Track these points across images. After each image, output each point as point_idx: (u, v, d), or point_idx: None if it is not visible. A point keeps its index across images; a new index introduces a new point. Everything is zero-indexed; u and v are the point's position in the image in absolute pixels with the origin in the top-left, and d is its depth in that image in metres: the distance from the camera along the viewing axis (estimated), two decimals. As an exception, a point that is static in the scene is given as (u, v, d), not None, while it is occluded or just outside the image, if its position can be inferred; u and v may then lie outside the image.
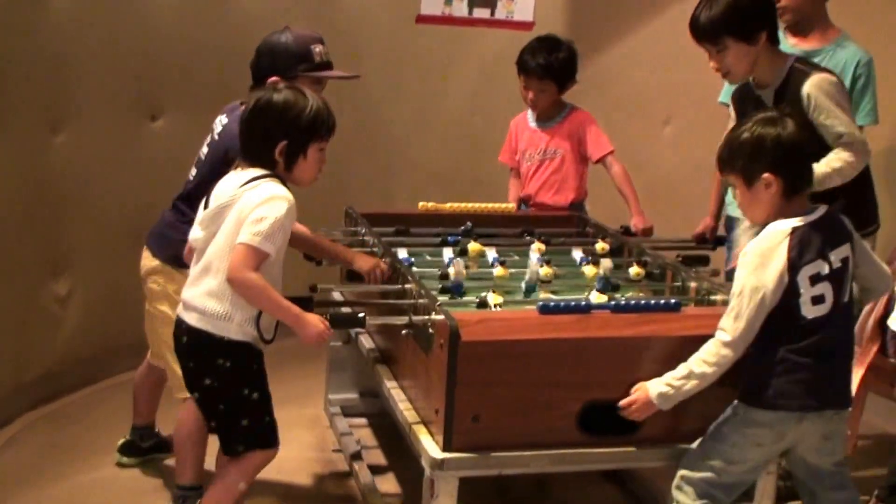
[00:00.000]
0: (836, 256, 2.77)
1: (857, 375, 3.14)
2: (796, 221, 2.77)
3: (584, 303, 3.00)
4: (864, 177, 3.50)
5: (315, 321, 2.94)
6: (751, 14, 3.36)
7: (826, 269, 2.75)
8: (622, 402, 2.82)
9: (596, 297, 3.12)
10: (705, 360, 2.76)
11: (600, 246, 3.79)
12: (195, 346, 2.98)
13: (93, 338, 4.68)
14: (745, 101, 3.56)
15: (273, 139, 2.96)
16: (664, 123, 5.61)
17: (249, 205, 2.88)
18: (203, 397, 3.03)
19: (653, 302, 3.01)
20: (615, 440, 2.87)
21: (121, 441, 3.83)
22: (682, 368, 2.78)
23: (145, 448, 3.81)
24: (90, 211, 4.66)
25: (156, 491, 3.61)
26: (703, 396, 2.80)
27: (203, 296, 2.94)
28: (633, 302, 3.03)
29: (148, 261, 3.53)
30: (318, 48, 3.54)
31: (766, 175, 2.79)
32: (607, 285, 3.31)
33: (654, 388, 2.80)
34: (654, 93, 5.63)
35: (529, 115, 4.50)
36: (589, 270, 3.47)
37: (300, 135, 2.97)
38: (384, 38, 5.33)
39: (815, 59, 3.73)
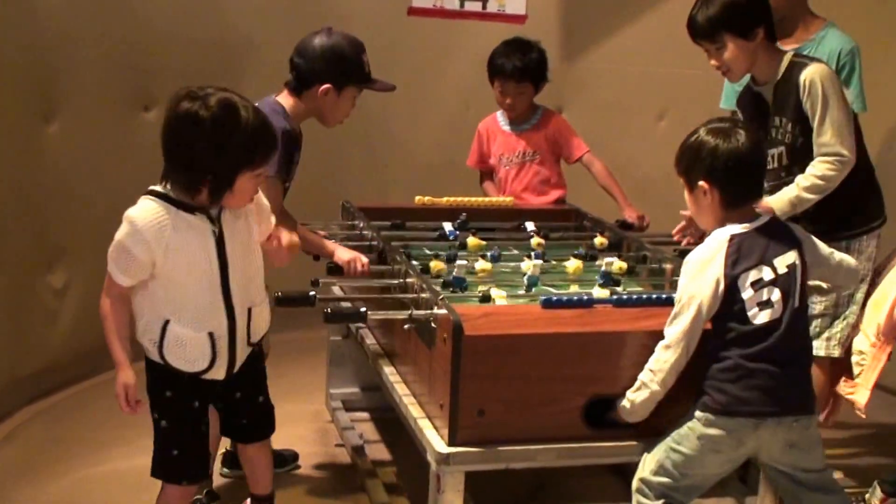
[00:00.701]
0: (780, 262, 2.78)
1: (880, 364, 3.17)
2: (738, 228, 2.80)
3: (585, 297, 3.01)
4: (864, 171, 3.52)
5: (126, 378, 2.80)
6: (747, 10, 3.40)
7: (770, 275, 2.76)
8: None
9: (598, 292, 3.13)
10: (650, 368, 2.79)
11: (599, 240, 3.81)
12: None
13: (90, 331, 4.56)
14: (746, 102, 3.62)
15: (196, 170, 2.66)
16: (658, 118, 5.64)
17: None
18: None
19: (654, 296, 3.02)
20: (620, 434, 2.88)
21: (221, 451, 3.62)
22: (637, 381, 2.81)
23: None
24: (84, 201, 4.66)
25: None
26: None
27: None
28: (634, 296, 3.04)
29: None
30: (365, 56, 3.57)
31: (701, 183, 2.83)
32: (609, 280, 3.32)
33: (619, 405, 2.84)
34: (648, 87, 5.66)
35: (500, 119, 4.52)
36: (571, 266, 3.47)
37: (228, 165, 2.66)
38: (376, 31, 5.31)
39: (800, 54, 3.76)
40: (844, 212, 3.43)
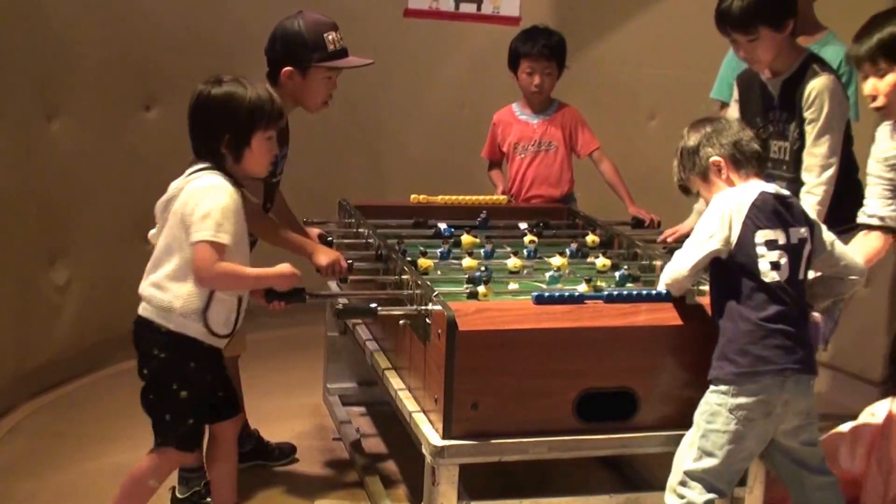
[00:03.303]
0: (794, 232, 2.87)
1: None
2: (767, 186, 2.91)
3: (577, 293, 3.08)
4: (852, 174, 3.60)
5: (289, 267, 2.99)
6: (782, 1, 3.45)
7: (783, 239, 2.84)
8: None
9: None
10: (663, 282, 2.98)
11: (591, 238, 3.87)
12: (138, 334, 3.00)
13: (93, 326, 4.73)
14: (752, 85, 3.66)
15: (216, 133, 2.96)
16: (650, 118, 5.69)
17: (192, 199, 2.89)
18: (144, 386, 3.03)
19: (644, 292, 3.07)
20: (612, 427, 2.93)
21: None
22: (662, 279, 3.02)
23: (243, 453, 3.48)
24: (86, 198, 4.71)
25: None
26: (697, 383, 2.88)
27: (149, 286, 2.96)
28: (624, 292, 3.09)
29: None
30: (331, 35, 3.52)
31: (714, 159, 2.97)
32: (626, 277, 3.39)
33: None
34: (640, 87, 5.72)
35: (516, 109, 4.56)
36: (557, 261, 3.50)
37: (242, 126, 2.96)
38: (373, 32, 5.38)
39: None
40: (828, 208, 3.49)
